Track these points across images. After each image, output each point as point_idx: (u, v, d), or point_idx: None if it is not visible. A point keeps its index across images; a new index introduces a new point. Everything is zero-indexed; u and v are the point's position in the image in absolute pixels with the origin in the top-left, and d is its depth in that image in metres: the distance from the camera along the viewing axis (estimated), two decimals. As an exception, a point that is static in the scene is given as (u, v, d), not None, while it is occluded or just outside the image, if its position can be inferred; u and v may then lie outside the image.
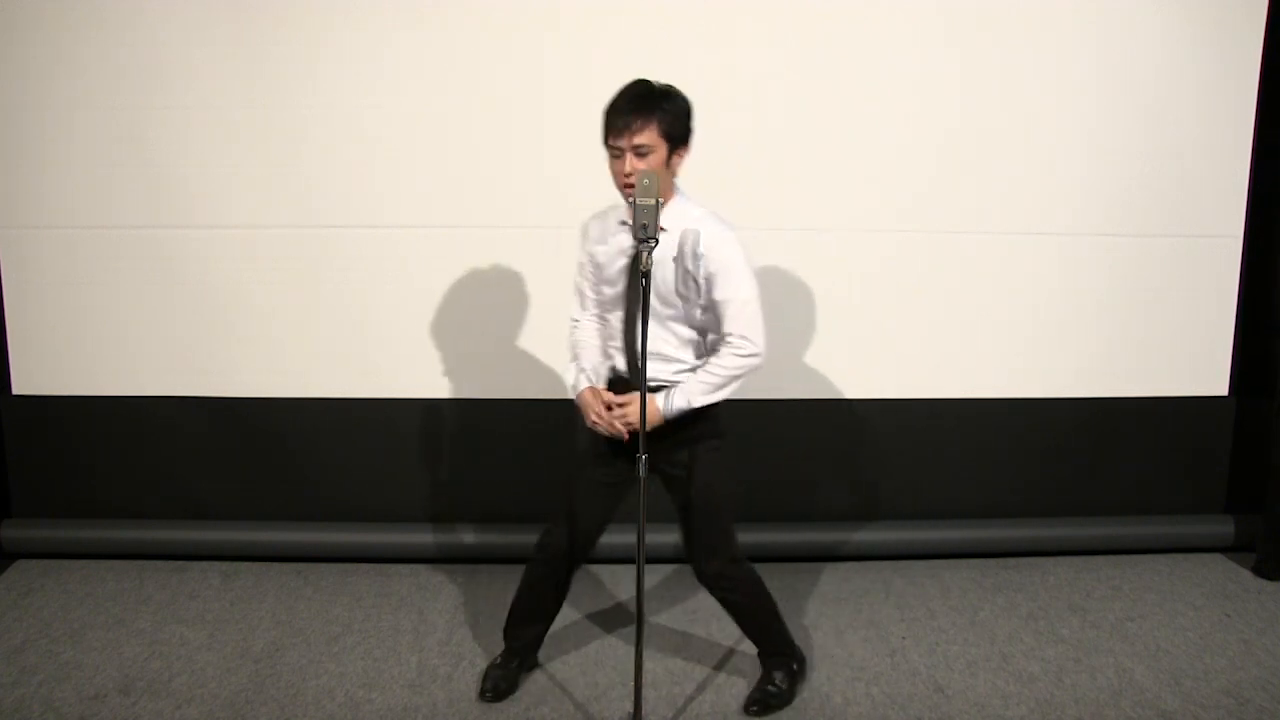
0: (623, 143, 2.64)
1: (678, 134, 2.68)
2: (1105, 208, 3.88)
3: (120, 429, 3.88)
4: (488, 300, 3.80)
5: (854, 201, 3.83)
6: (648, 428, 2.64)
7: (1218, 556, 4.07)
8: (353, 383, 3.85)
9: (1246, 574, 3.93)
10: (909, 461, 4.03)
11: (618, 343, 2.85)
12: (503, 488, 3.95)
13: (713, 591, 2.99)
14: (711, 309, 2.76)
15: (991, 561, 3.99)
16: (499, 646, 3.33)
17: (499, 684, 3.07)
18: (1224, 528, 4.08)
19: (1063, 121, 3.81)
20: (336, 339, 3.82)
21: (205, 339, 3.81)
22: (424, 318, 3.80)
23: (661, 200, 2.51)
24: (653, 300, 2.72)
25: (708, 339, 2.83)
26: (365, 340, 3.83)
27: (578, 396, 2.89)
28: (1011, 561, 4.00)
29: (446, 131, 3.69)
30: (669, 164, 2.69)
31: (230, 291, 3.77)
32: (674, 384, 2.78)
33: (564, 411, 3.88)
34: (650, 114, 2.64)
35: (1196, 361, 4.04)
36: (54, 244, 3.75)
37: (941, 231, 3.86)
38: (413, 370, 3.86)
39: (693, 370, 2.81)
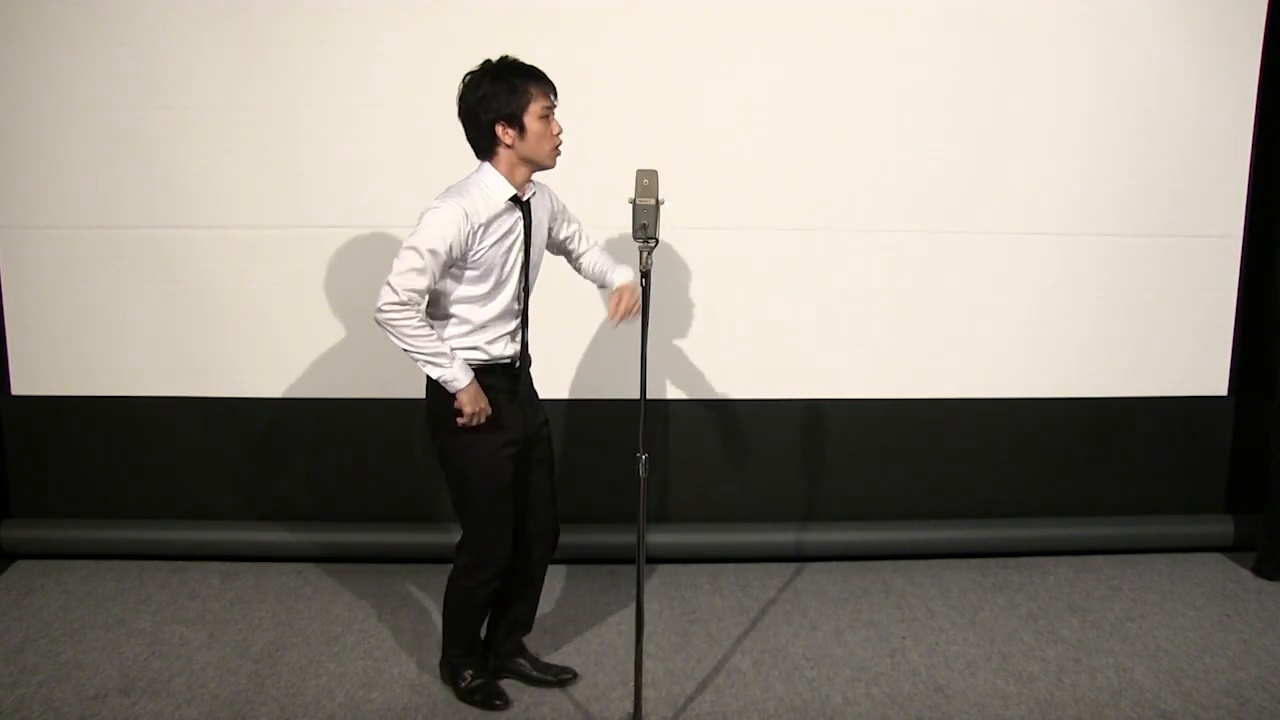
0: (555, 99, 2.73)
1: None
2: (1105, 208, 3.88)
3: (120, 429, 3.87)
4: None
5: (853, 201, 3.83)
6: (638, 309, 2.71)
7: (1218, 556, 4.07)
8: (353, 383, 3.85)
9: (1246, 574, 3.93)
10: (909, 461, 4.03)
11: (510, 326, 2.83)
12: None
13: (543, 564, 3.07)
14: (556, 241, 3.02)
15: (991, 561, 3.99)
16: (499, 646, 3.34)
17: (502, 691, 3.06)
18: (1224, 528, 4.08)
19: (1063, 121, 3.81)
20: (336, 339, 3.82)
21: (205, 339, 3.81)
22: (424, 318, 3.81)
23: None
24: (534, 264, 2.89)
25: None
26: (365, 340, 3.82)
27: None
28: (1011, 561, 4.00)
29: (446, 131, 3.67)
30: None
31: (230, 291, 3.78)
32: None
33: (564, 411, 3.89)
34: None
35: (1196, 361, 4.04)
36: (54, 244, 3.75)
37: (941, 231, 3.86)
38: (412, 370, 3.84)
39: None
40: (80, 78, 3.63)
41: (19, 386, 3.86)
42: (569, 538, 3.87)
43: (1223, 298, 3.99)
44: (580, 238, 3.05)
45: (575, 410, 3.90)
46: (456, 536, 3.85)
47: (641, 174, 2.52)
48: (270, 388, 3.85)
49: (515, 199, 2.75)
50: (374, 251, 3.75)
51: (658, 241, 2.55)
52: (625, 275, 3.00)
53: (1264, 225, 3.97)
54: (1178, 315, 3.98)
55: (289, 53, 3.64)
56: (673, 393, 3.92)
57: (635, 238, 2.54)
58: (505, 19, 3.64)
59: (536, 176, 2.82)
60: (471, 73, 2.72)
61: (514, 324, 2.86)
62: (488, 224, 2.71)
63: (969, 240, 3.87)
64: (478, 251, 2.71)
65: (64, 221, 3.73)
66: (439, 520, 3.95)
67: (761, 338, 3.88)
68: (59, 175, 3.69)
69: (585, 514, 3.95)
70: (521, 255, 2.82)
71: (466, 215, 2.66)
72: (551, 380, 3.84)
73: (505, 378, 2.85)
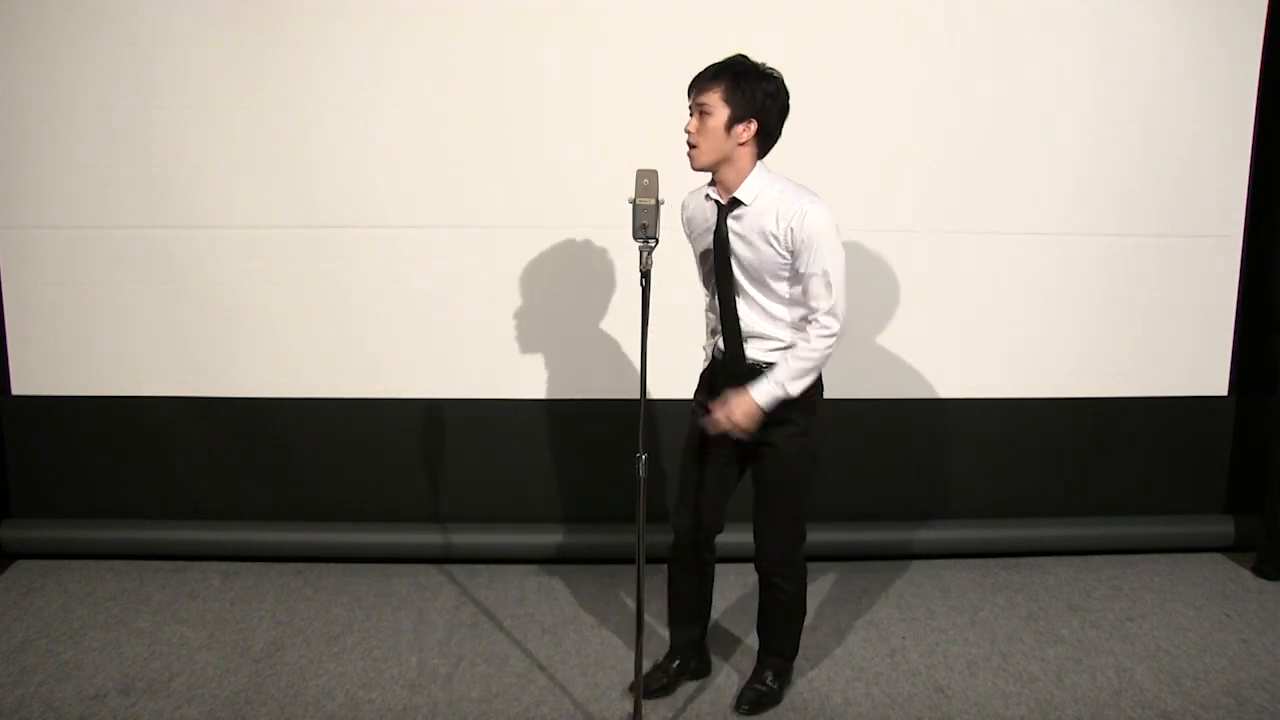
0: (690, 99, 2.73)
1: (742, 104, 2.68)
2: (1104, 208, 3.88)
3: (120, 429, 3.87)
4: (488, 300, 3.80)
5: (854, 202, 3.81)
6: (751, 423, 2.73)
7: (1218, 556, 4.07)
8: (353, 383, 3.85)
9: (1246, 574, 3.93)
10: (909, 461, 4.03)
11: (715, 323, 2.91)
12: (502, 488, 3.95)
13: (770, 576, 2.96)
14: (799, 282, 2.74)
15: (991, 561, 3.99)
16: (499, 647, 3.34)
17: (654, 681, 3.07)
18: (1224, 528, 4.08)
19: (1063, 121, 3.81)
20: (336, 339, 3.82)
21: (205, 339, 3.80)
22: (424, 318, 3.80)
23: (719, 173, 2.75)
24: (744, 278, 2.77)
25: (800, 313, 2.80)
26: (365, 340, 3.83)
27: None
28: (1011, 561, 3.99)
29: (446, 131, 3.69)
30: (729, 131, 2.69)
31: (230, 291, 3.77)
32: (769, 365, 2.78)
33: (562, 411, 3.90)
34: (719, 78, 2.69)
35: (1196, 361, 4.03)
36: (54, 244, 3.74)
37: (941, 231, 3.86)
38: (413, 370, 3.85)
39: (788, 347, 2.78)
40: (80, 78, 3.63)
41: (19, 386, 3.85)
42: (569, 538, 3.90)
43: (1223, 298, 3.99)
44: (807, 298, 2.73)
45: (575, 410, 3.90)
46: (456, 537, 3.89)
47: (641, 174, 2.52)
48: (270, 388, 3.85)
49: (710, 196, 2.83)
50: (374, 251, 3.75)
51: (658, 241, 2.55)
52: (763, 385, 2.74)
53: (1264, 225, 3.97)
54: (1178, 315, 3.98)
55: (289, 53, 3.64)
56: (673, 393, 3.91)
57: (635, 238, 2.54)
58: (507, 19, 3.63)
59: (773, 196, 2.75)
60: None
61: (715, 324, 2.91)
62: (691, 214, 2.90)
63: (969, 240, 3.87)
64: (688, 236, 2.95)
65: (64, 221, 3.73)
66: (439, 520, 3.95)
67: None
68: (59, 175, 3.69)
69: (585, 514, 3.96)
70: (710, 260, 2.84)
71: (683, 204, 2.89)
72: (551, 380, 3.85)
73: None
